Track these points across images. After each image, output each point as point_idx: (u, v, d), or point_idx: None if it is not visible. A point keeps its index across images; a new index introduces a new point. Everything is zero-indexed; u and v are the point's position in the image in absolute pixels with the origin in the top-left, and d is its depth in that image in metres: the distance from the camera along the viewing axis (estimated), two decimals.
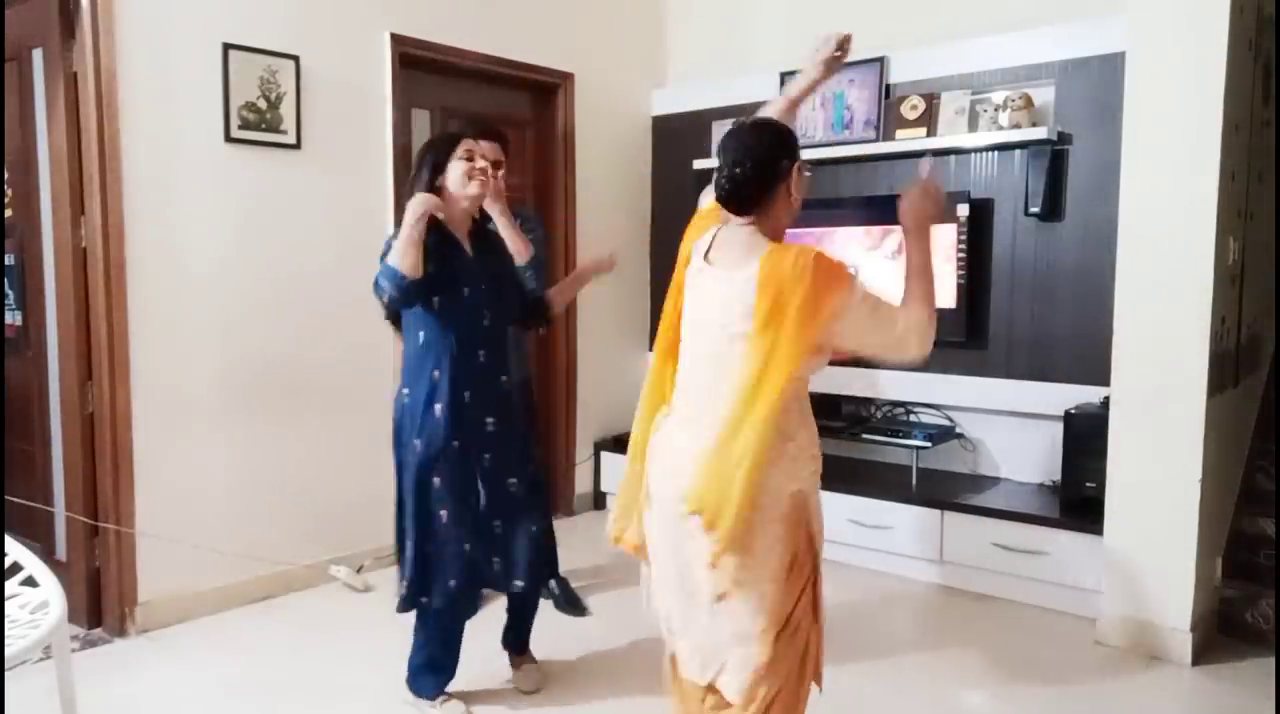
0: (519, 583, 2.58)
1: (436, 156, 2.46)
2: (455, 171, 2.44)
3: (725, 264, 1.88)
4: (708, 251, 1.92)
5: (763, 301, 1.77)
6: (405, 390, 2.49)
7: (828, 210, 4.11)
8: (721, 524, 1.73)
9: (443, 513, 2.45)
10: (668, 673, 2.08)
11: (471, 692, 2.76)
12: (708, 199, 2.03)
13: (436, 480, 2.44)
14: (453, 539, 2.47)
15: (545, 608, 3.44)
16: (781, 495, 1.81)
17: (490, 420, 2.50)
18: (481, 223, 2.63)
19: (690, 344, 1.94)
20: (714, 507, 1.74)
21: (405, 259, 2.28)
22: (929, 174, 1.95)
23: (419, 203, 2.30)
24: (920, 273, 1.85)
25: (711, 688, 1.90)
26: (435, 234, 2.38)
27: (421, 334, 2.46)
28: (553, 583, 3.55)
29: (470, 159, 2.45)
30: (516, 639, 2.84)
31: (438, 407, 2.43)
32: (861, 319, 1.78)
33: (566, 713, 2.69)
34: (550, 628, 3.27)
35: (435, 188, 2.43)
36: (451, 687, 2.69)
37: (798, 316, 1.74)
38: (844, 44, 2.32)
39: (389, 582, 3.69)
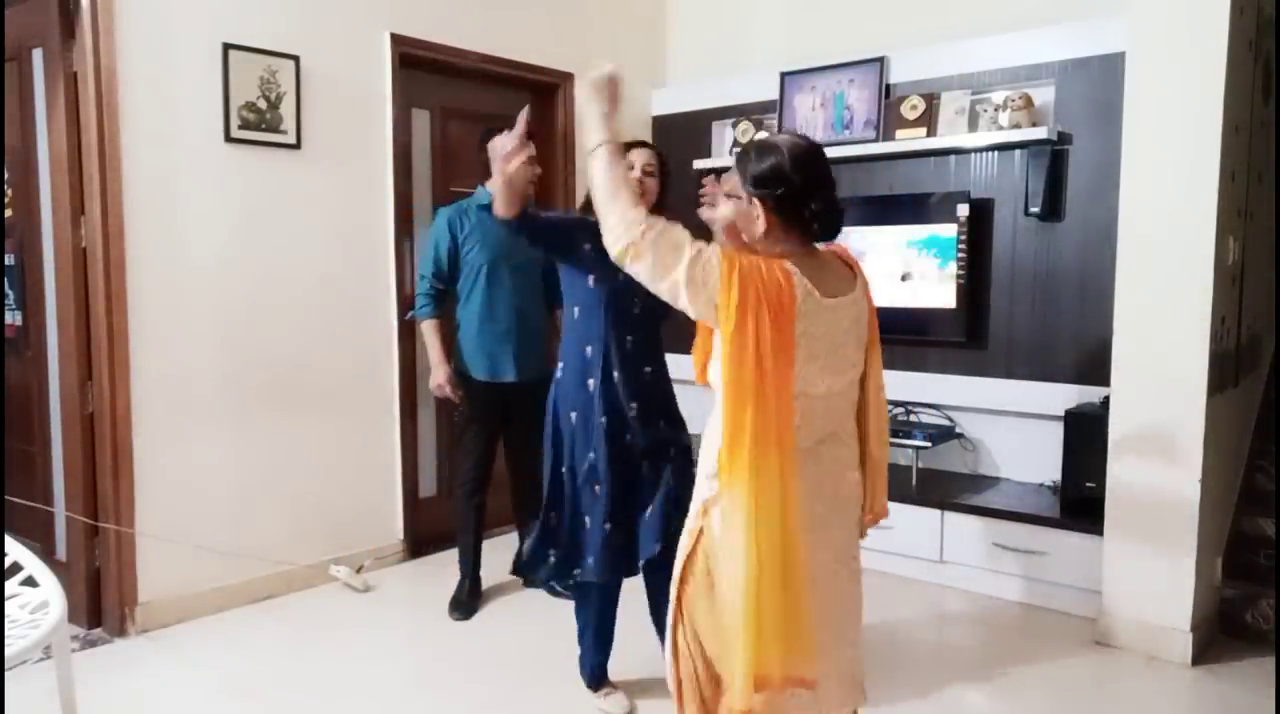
0: (655, 545, 2.51)
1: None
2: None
3: (838, 292, 1.73)
4: (807, 285, 1.68)
5: (872, 321, 1.84)
6: (561, 365, 2.59)
7: None
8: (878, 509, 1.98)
9: (596, 487, 2.51)
10: None
11: (636, 680, 2.77)
12: (718, 248, 1.71)
13: (592, 455, 2.50)
14: (599, 516, 2.51)
15: (539, 599, 3.45)
16: None
17: (634, 405, 2.52)
18: None
19: (822, 383, 1.72)
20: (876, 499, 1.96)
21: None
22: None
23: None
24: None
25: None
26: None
27: (576, 310, 2.55)
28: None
29: (629, 169, 2.53)
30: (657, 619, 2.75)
31: (591, 382, 2.51)
32: None
33: None
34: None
35: None
36: (618, 675, 2.72)
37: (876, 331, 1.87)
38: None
39: (389, 582, 3.70)
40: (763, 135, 1.79)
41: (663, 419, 2.59)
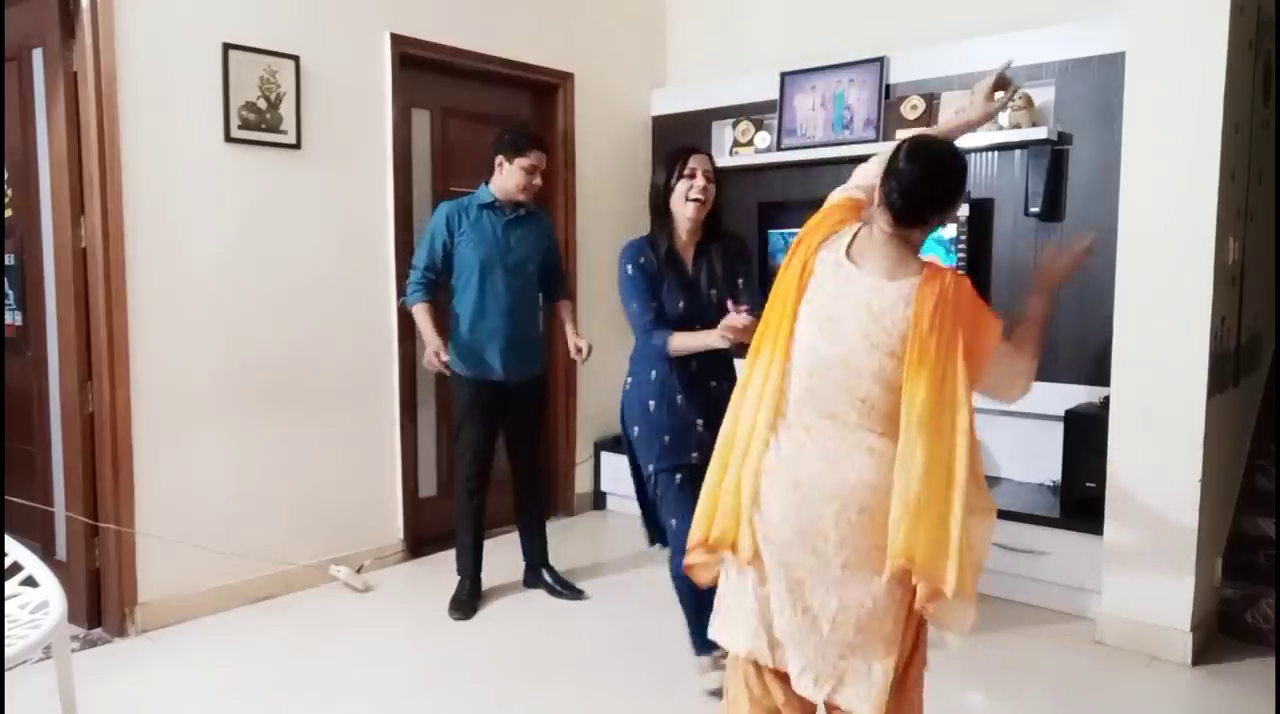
0: None
1: (666, 175, 2.72)
2: (679, 189, 2.69)
3: (874, 270, 1.79)
4: (849, 248, 1.85)
5: (930, 325, 1.74)
6: (629, 379, 2.81)
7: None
8: (936, 577, 1.67)
9: (677, 476, 2.68)
10: (742, 678, 1.93)
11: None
12: (842, 193, 2.04)
13: (649, 467, 2.73)
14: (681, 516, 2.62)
15: (539, 599, 3.45)
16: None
17: (699, 422, 2.68)
18: (706, 238, 2.78)
19: (811, 342, 1.81)
20: (929, 560, 1.67)
21: (684, 349, 2.61)
22: (1084, 247, 2.04)
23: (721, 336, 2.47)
24: (1039, 324, 2.00)
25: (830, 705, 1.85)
26: (667, 245, 2.71)
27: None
28: (544, 573, 3.56)
29: (692, 177, 2.67)
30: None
31: (651, 403, 2.71)
32: (1000, 358, 1.87)
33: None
34: (560, 623, 3.27)
35: (666, 204, 2.71)
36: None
37: (970, 349, 1.80)
38: (1004, 85, 2.19)
39: (389, 582, 3.70)
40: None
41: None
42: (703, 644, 2.67)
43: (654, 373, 2.72)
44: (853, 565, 1.75)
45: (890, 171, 1.81)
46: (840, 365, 1.78)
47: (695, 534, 1.90)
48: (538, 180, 3.31)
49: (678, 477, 2.67)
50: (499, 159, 3.30)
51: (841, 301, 1.79)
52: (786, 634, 1.79)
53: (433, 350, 3.23)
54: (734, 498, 1.83)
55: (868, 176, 2.03)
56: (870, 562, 1.74)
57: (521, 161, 3.26)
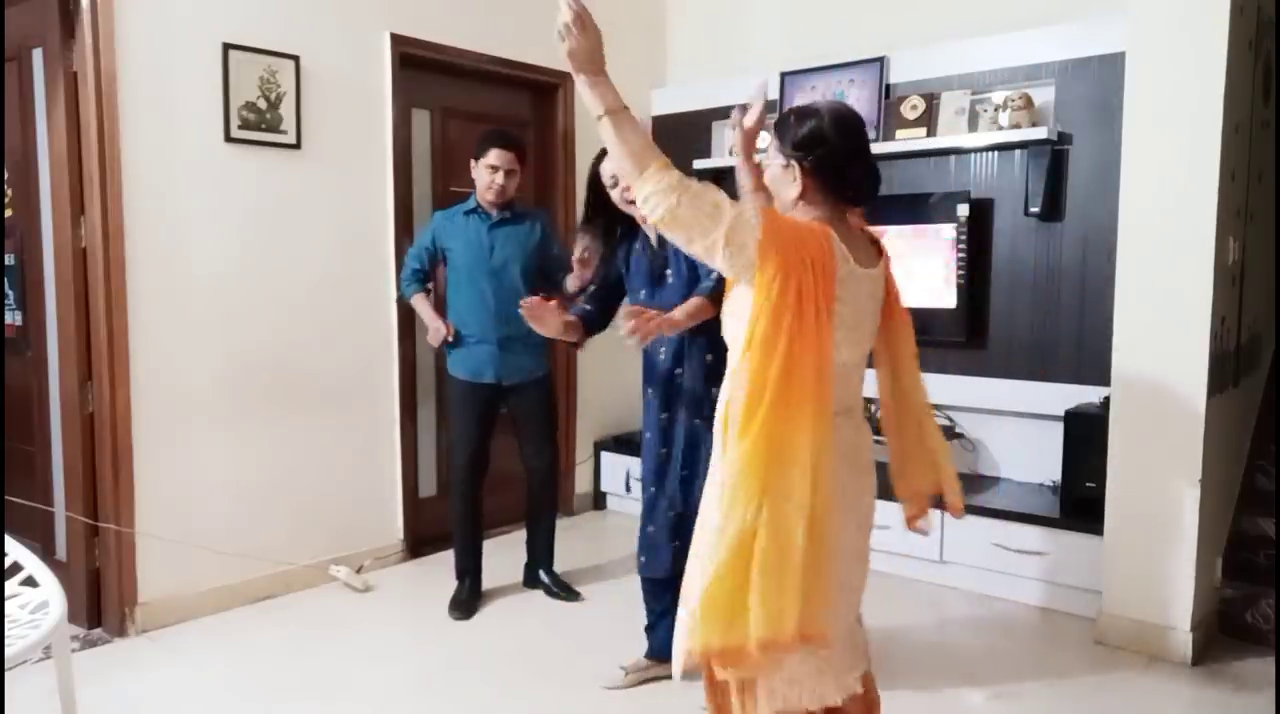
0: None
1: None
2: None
3: (866, 262, 1.76)
4: (844, 249, 1.72)
5: (891, 292, 1.83)
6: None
7: None
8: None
9: (652, 490, 2.70)
10: None
11: None
12: (751, 203, 1.82)
13: (645, 462, 2.74)
14: (660, 527, 2.68)
15: (538, 599, 3.45)
16: None
17: (664, 416, 2.67)
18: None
19: (843, 353, 1.73)
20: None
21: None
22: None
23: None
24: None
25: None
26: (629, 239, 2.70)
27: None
28: (542, 574, 3.57)
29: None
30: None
31: (650, 390, 2.71)
32: None
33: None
34: (556, 623, 3.27)
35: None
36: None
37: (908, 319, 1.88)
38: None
39: (389, 582, 3.70)
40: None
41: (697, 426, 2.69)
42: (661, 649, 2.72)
43: (663, 351, 2.70)
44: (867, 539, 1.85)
45: (824, 153, 1.71)
46: (857, 369, 1.81)
47: (786, 626, 1.57)
48: (501, 179, 3.28)
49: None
50: (471, 163, 3.35)
51: (860, 304, 1.75)
52: (843, 645, 1.80)
53: (434, 328, 3.35)
54: (825, 579, 1.63)
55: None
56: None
57: (483, 162, 3.29)
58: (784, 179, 1.75)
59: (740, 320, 1.68)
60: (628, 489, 4.56)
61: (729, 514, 1.61)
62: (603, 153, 2.65)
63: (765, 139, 1.83)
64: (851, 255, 1.70)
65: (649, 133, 1.96)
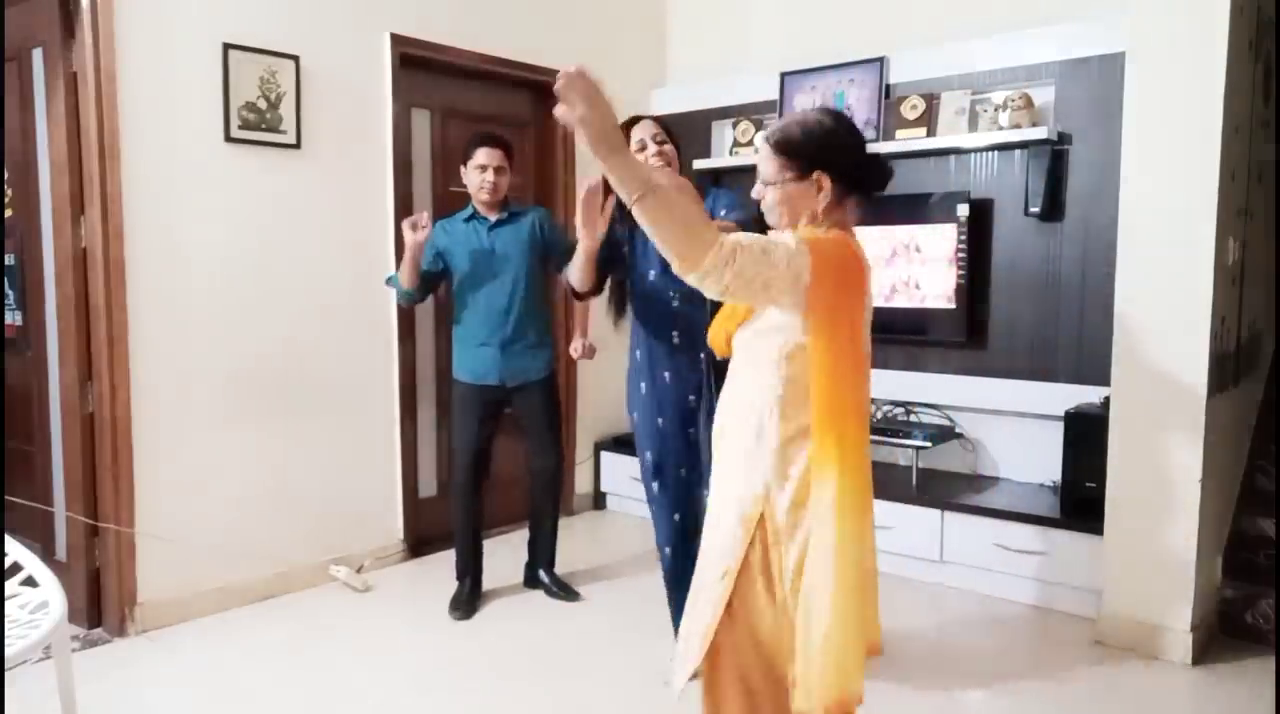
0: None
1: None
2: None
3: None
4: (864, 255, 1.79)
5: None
6: (629, 361, 2.74)
7: None
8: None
9: (654, 485, 2.63)
10: None
11: None
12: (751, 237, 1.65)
13: (648, 455, 2.63)
14: (664, 507, 2.64)
15: (539, 599, 3.45)
16: None
17: (692, 397, 2.62)
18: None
19: (862, 359, 1.74)
20: None
21: (580, 283, 2.57)
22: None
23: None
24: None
25: None
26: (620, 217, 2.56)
27: (630, 312, 2.68)
28: (542, 574, 3.57)
29: (643, 149, 2.60)
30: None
31: (643, 385, 2.65)
32: None
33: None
34: (557, 623, 3.27)
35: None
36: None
37: None
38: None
39: (389, 582, 3.70)
40: (778, 121, 1.75)
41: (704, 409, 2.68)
42: None
43: (638, 353, 2.70)
44: None
45: (847, 159, 1.72)
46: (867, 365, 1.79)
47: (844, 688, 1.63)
48: (492, 177, 3.28)
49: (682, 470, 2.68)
50: (461, 170, 3.36)
51: (870, 301, 1.78)
52: None
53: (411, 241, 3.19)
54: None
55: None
56: None
57: (472, 164, 3.29)
58: (805, 194, 1.71)
59: (773, 337, 1.68)
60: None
61: (842, 555, 1.61)
62: (634, 119, 2.66)
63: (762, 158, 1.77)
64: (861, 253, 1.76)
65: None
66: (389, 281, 3.48)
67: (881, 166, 1.78)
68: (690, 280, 1.55)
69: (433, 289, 3.42)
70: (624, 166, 1.51)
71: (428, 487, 4.12)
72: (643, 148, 2.53)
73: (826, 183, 1.69)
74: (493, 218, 3.35)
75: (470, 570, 3.45)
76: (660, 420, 2.63)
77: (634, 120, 2.61)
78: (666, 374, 2.62)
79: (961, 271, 3.74)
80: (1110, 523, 3.08)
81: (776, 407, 1.67)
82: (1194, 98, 2.85)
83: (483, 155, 3.28)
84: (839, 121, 1.74)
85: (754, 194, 1.80)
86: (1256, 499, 3.45)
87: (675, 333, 2.60)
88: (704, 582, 1.78)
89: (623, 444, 4.68)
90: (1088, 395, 3.50)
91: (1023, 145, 3.62)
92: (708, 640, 1.72)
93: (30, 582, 2.24)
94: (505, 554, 3.74)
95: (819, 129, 1.71)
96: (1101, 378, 3.28)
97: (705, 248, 1.52)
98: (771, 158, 1.73)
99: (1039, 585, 3.41)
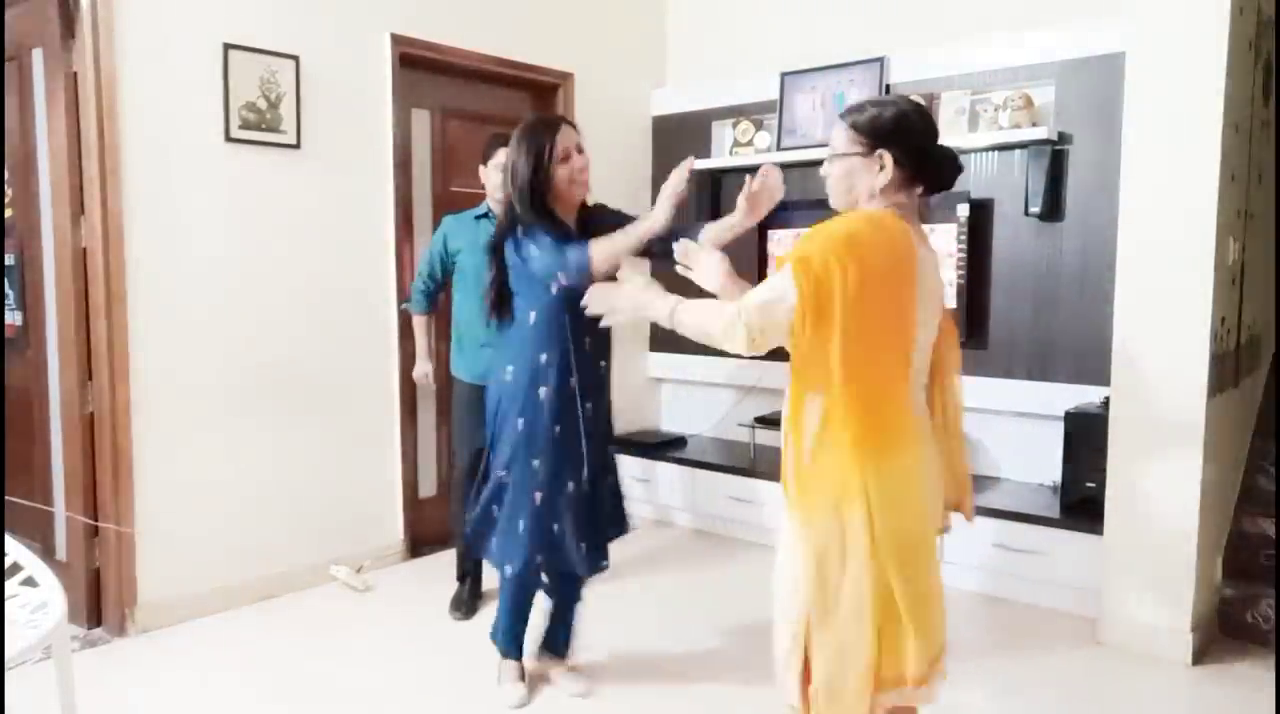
0: (605, 563, 2.71)
1: (541, 141, 2.45)
2: (561, 175, 2.47)
3: (925, 245, 1.77)
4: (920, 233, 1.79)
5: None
6: (509, 368, 2.54)
7: (827, 211, 4.10)
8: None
9: (537, 495, 2.53)
10: None
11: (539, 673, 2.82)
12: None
13: (535, 462, 2.52)
14: (544, 517, 2.55)
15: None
16: None
17: (589, 406, 2.57)
18: (586, 208, 2.63)
19: (918, 344, 1.75)
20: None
21: (612, 262, 2.38)
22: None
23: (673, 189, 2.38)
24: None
25: None
26: (552, 221, 2.46)
27: (534, 315, 2.50)
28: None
29: (567, 159, 2.48)
30: (566, 638, 2.85)
31: (542, 390, 2.50)
32: None
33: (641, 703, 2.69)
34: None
35: (546, 174, 2.45)
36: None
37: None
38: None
39: (389, 582, 3.70)
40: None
41: (607, 413, 2.68)
42: (514, 646, 2.75)
43: (544, 356, 2.50)
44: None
45: (913, 141, 1.73)
46: (926, 354, 1.80)
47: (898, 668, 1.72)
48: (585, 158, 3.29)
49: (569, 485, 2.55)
50: (479, 168, 3.34)
51: (933, 286, 1.76)
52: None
53: (422, 371, 3.49)
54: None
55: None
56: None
57: (492, 163, 3.29)
58: (866, 169, 1.74)
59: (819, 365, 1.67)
60: None
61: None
62: (557, 121, 2.53)
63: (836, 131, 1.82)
64: (919, 238, 1.75)
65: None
66: (406, 303, 3.57)
67: (951, 161, 1.77)
68: (746, 352, 1.68)
69: (440, 293, 3.46)
70: (650, 307, 1.85)
71: (428, 487, 4.11)
72: (567, 157, 2.46)
73: (888, 161, 1.71)
74: None
75: (470, 571, 3.44)
76: (557, 428, 2.52)
77: (557, 123, 2.53)
78: (574, 380, 2.52)
79: (961, 271, 3.74)
80: (1110, 523, 3.08)
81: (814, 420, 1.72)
82: (1194, 98, 2.85)
83: (504, 156, 3.27)
84: (916, 109, 1.76)
85: (821, 172, 1.85)
86: (1256, 499, 3.45)
87: (588, 338, 2.53)
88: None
89: (622, 444, 4.68)
90: (1088, 395, 3.50)
91: (1023, 145, 3.62)
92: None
93: (30, 582, 2.24)
94: None
95: (892, 108, 1.75)
96: (1101, 378, 3.29)
97: (728, 325, 1.67)
98: (843, 129, 1.78)
99: (1039, 585, 3.41)
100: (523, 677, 2.74)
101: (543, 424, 2.50)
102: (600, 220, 2.57)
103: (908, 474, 1.69)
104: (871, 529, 1.63)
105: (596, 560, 2.68)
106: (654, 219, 2.39)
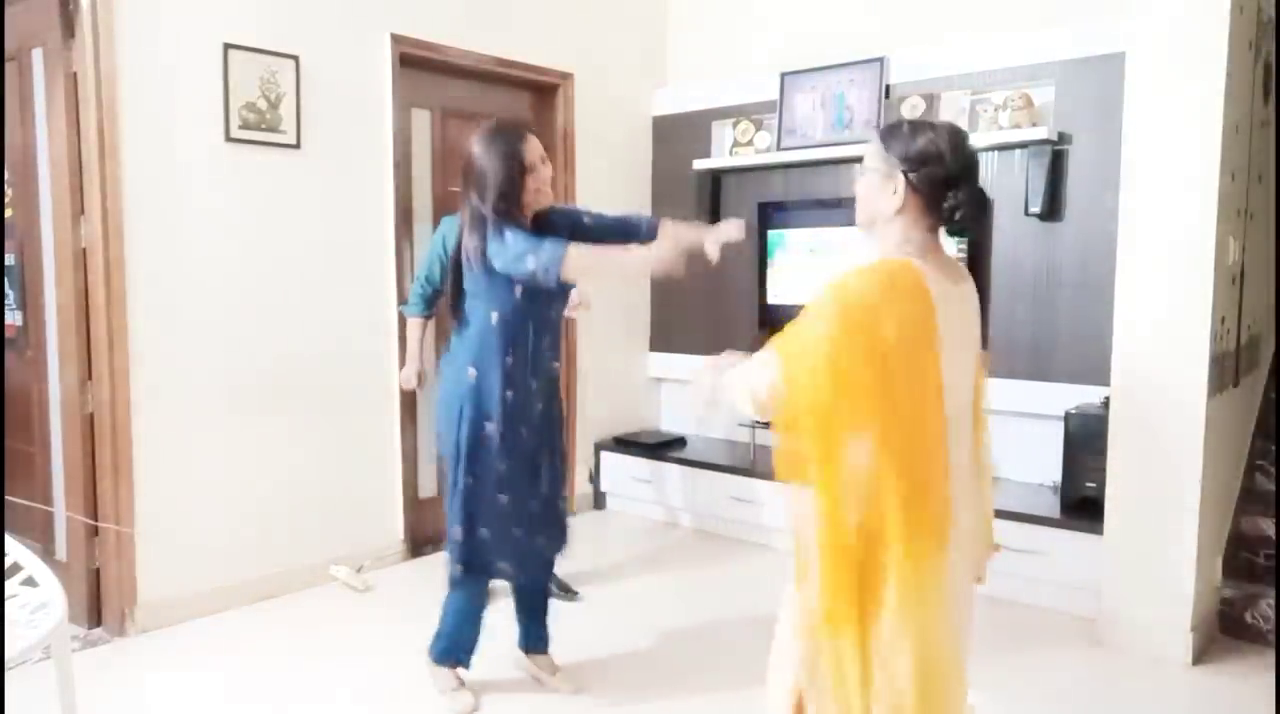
0: (562, 548, 2.73)
1: (514, 147, 2.43)
2: (529, 187, 2.46)
3: (955, 284, 1.67)
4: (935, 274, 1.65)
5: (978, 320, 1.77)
6: (471, 371, 2.48)
7: (827, 210, 4.11)
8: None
9: (502, 497, 2.51)
10: None
11: (485, 682, 2.79)
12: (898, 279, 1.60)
13: (502, 467, 2.50)
14: (509, 521, 2.54)
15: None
16: None
17: (540, 406, 2.57)
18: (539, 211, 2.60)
19: (955, 384, 1.65)
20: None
21: (584, 274, 2.40)
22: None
23: (679, 247, 2.31)
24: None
25: None
26: (515, 220, 2.42)
27: (495, 316, 2.46)
28: None
29: (533, 171, 2.48)
30: (541, 635, 2.84)
31: (509, 393, 2.47)
32: None
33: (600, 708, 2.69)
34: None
35: (517, 183, 2.42)
36: (467, 678, 2.74)
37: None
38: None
39: (389, 581, 3.70)
40: (918, 116, 1.72)
41: (557, 412, 2.67)
42: (449, 655, 2.70)
43: (510, 358, 2.47)
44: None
45: (932, 171, 1.63)
46: (968, 393, 1.73)
47: None
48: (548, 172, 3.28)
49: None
50: None
51: (962, 330, 1.67)
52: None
53: (408, 374, 3.50)
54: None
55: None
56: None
57: None
58: (882, 189, 1.66)
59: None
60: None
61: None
62: (526, 129, 2.52)
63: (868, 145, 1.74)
64: (944, 275, 1.65)
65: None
66: (402, 306, 3.56)
67: (972, 205, 1.63)
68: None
69: (439, 297, 3.42)
70: (727, 388, 1.70)
71: (428, 487, 4.11)
72: (533, 168, 2.46)
73: (901, 185, 1.64)
74: None
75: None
76: (523, 430, 2.52)
77: (524, 132, 2.52)
78: (534, 382, 2.53)
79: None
80: (1110, 523, 3.08)
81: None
82: (1194, 98, 2.85)
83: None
84: (953, 138, 1.65)
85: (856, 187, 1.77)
86: (1256, 499, 3.45)
87: (547, 338, 2.54)
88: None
89: (623, 444, 4.68)
90: (1088, 395, 3.50)
91: (1023, 145, 3.62)
92: None
93: (30, 582, 2.24)
94: None
95: (926, 133, 1.65)
96: (1101, 378, 3.29)
97: (766, 386, 1.60)
98: (872, 144, 1.71)
99: (1039, 585, 3.41)
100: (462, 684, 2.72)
101: (510, 426, 2.48)
102: (553, 220, 2.56)
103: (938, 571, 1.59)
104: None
105: (552, 557, 2.74)
106: (649, 258, 2.36)
